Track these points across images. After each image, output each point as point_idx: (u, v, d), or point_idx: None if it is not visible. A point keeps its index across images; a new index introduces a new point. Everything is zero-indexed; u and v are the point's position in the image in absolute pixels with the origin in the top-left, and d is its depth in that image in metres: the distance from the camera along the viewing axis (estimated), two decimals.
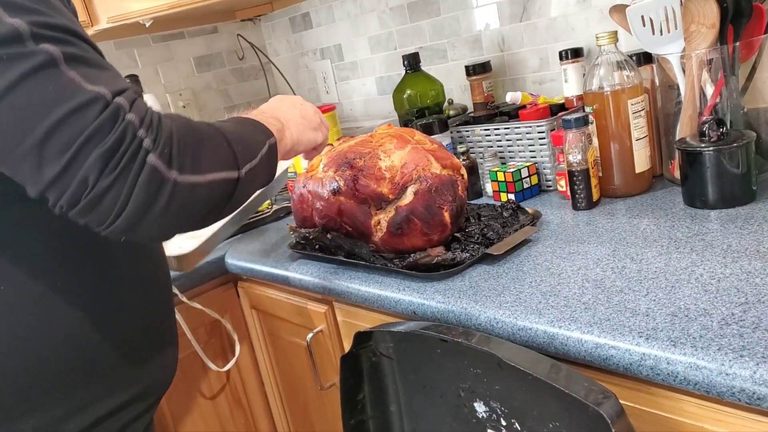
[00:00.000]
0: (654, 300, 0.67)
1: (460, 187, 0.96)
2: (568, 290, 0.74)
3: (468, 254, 0.89)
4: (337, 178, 0.96)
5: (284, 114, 0.80)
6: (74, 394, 0.66)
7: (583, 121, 1.01)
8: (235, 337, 1.25)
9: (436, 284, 0.84)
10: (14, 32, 0.50)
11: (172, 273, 1.17)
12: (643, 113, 1.02)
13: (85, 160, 0.51)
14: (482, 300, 0.76)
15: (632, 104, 1.01)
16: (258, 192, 0.72)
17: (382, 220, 0.93)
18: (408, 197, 0.91)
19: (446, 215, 0.92)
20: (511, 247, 0.89)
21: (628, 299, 0.68)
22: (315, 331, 1.07)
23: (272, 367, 1.31)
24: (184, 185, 0.56)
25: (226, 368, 1.24)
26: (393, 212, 0.92)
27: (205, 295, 1.23)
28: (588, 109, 1.05)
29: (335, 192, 0.96)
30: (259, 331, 1.29)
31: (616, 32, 1.01)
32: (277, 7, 2.00)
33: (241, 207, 0.68)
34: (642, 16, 0.95)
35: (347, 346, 1.04)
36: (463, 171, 0.99)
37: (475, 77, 1.43)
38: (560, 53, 1.25)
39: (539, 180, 1.19)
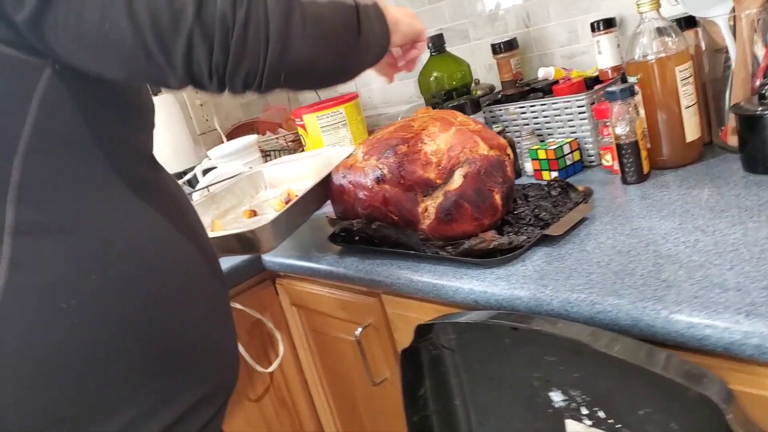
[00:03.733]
0: (742, 273, 0.63)
1: (508, 168, 0.92)
2: (643, 268, 0.70)
3: (525, 237, 0.86)
4: (381, 166, 0.93)
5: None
6: (157, 386, 0.62)
7: (629, 92, 0.97)
8: (278, 336, 1.22)
9: (497, 270, 0.81)
10: None
11: (246, 257, 1.14)
12: (691, 80, 0.98)
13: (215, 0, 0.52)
14: (551, 284, 0.73)
15: (680, 71, 0.97)
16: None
17: (429, 207, 0.89)
18: (456, 181, 0.88)
19: (497, 198, 0.89)
20: (570, 226, 0.85)
21: (713, 274, 0.65)
22: (364, 325, 1.03)
23: (317, 364, 1.28)
24: (310, 2, 0.58)
25: (270, 369, 1.21)
26: (441, 198, 0.88)
27: (243, 294, 1.20)
28: (632, 79, 1.01)
29: (379, 180, 0.93)
30: (301, 328, 1.26)
31: None
32: None
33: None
34: None
35: (398, 339, 1.01)
36: (509, 151, 0.95)
37: (502, 55, 1.39)
38: (592, 24, 1.21)
39: (581, 156, 1.15)
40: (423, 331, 0.80)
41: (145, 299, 0.61)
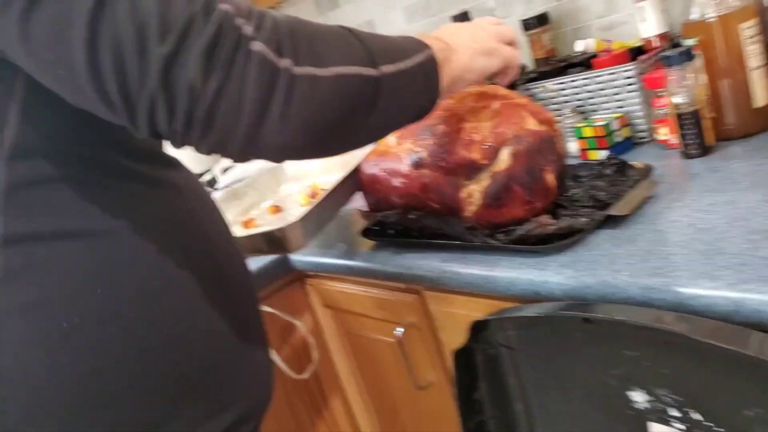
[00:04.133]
0: None
1: (559, 144, 0.83)
2: (735, 246, 0.61)
3: (585, 219, 0.77)
4: (418, 149, 0.84)
5: (450, 37, 0.67)
6: (180, 416, 0.54)
7: (687, 56, 0.88)
8: (311, 340, 1.14)
9: (558, 257, 0.72)
10: None
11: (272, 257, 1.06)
12: (758, 38, 0.88)
13: (186, 63, 0.43)
14: (626, 269, 0.64)
15: (745, 29, 0.87)
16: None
17: (474, 192, 0.81)
18: (504, 161, 0.79)
19: (550, 177, 0.80)
20: (636, 205, 0.76)
21: None
22: (405, 325, 0.95)
23: (353, 368, 1.19)
24: (303, 77, 0.47)
25: (304, 375, 1.13)
26: (488, 180, 0.79)
27: (272, 297, 1.12)
28: (689, 42, 0.92)
29: (417, 165, 0.84)
30: (335, 330, 1.18)
31: None
32: None
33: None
34: None
35: (444, 338, 0.92)
36: (557, 126, 0.86)
37: (533, 31, 1.30)
38: None
39: (631, 132, 1.06)
40: (478, 328, 0.71)
41: (162, 315, 0.53)
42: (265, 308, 1.07)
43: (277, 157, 0.52)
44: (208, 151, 0.49)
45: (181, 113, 0.45)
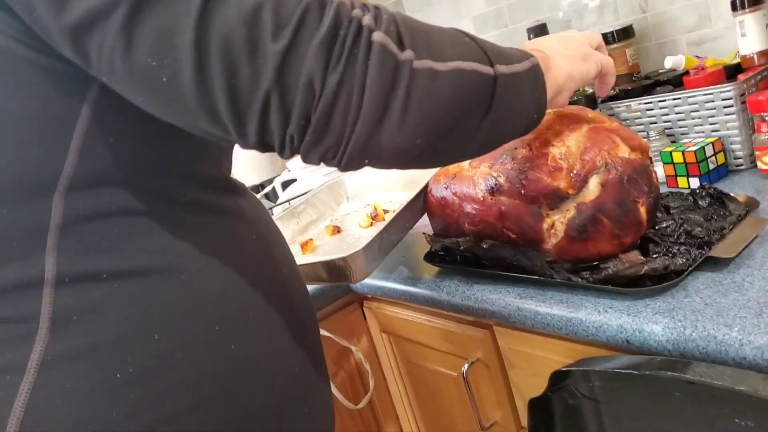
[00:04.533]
0: None
1: (653, 174, 0.75)
2: None
3: (684, 259, 0.69)
4: (496, 174, 0.78)
5: (545, 48, 0.63)
6: None
7: None
8: (368, 368, 1.09)
9: (651, 302, 0.64)
10: None
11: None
12: None
13: (304, 57, 0.40)
14: (736, 323, 0.56)
15: None
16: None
17: (557, 222, 0.74)
18: (593, 191, 0.72)
19: (642, 210, 0.72)
20: (744, 246, 0.67)
21: None
22: (471, 360, 0.88)
23: (411, 400, 1.13)
24: (422, 71, 0.44)
25: (361, 405, 1.08)
26: (573, 211, 0.72)
27: (328, 319, 1.08)
28: None
29: (494, 191, 0.78)
30: (392, 358, 1.12)
31: None
32: None
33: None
34: None
35: (513, 378, 0.85)
36: (651, 154, 0.78)
37: (616, 45, 1.22)
38: (733, 2, 1.02)
39: (726, 158, 0.97)
40: (560, 378, 0.64)
41: (225, 361, 0.49)
42: (323, 332, 1.03)
43: (391, 162, 0.48)
44: (318, 159, 0.46)
45: (298, 114, 0.42)
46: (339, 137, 0.44)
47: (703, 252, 0.69)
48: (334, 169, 1.39)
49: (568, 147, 0.73)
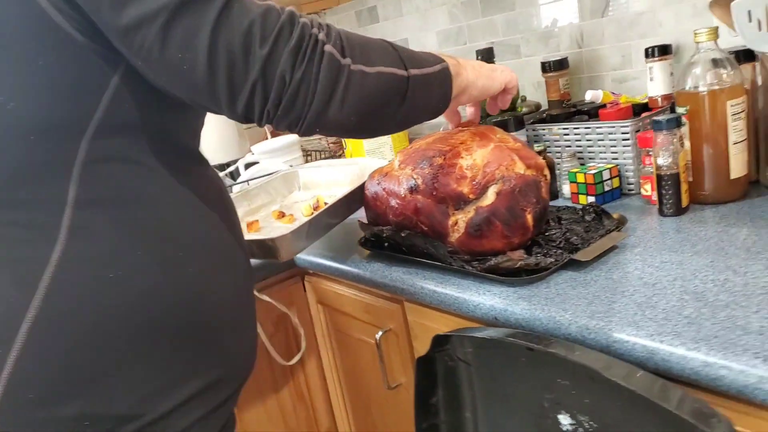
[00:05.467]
0: (767, 318, 0.62)
1: (543, 189, 0.92)
2: (666, 302, 0.69)
3: (552, 259, 0.85)
4: (415, 176, 0.94)
5: (463, 62, 0.85)
6: (181, 362, 0.65)
7: (676, 123, 0.96)
8: (302, 332, 1.25)
9: (519, 289, 0.81)
10: None
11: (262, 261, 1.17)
12: (742, 115, 0.96)
13: (279, 59, 0.60)
14: (571, 308, 0.73)
15: (732, 105, 0.95)
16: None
17: (460, 221, 0.90)
18: (489, 198, 0.88)
19: (529, 218, 0.89)
20: (599, 253, 0.84)
21: (737, 315, 0.63)
22: (385, 329, 1.04)
23: (336, 363, 1.29)
24: (356, 72, 0.65)
25: (291, 362, 1.23)
26: (473, 213, 0.89)
27: (273, 288, 1.23)
28: (681, 110, 0.99)
29: (412, 190, 0.94)
30: (325, 326, 1.28)
31: (716, 28, 0.95)
32: (343, 1, 1.99)
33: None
34: (749, 12, 0.89)
35: (416, 347, 1.02)
36: (547, 172, 0.95)
37: (551, 74, 1.38)
38: (646, 50, 1.19)
39: (620, 183, 1.14)
40: (440, 341, 0.81)
41: (182, 279, 0.65)
42: (264, 297, 1.18)
43: (334, 132, 0.69)
44: (285, 127, 0.65)
45: (274, 96, 0.61)
46: (300, 113, 0.63)
47: (569, 255, 0.86)
48: (295, 157, 1.54)
49: (474, 160, 0.90)
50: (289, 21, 0.61)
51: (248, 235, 1.02)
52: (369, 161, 1.29)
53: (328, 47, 0.63)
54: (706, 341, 0.60)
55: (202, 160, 0.75)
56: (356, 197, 1.06)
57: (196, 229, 0.69)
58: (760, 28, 0.90)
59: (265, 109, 0.62)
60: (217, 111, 0.64)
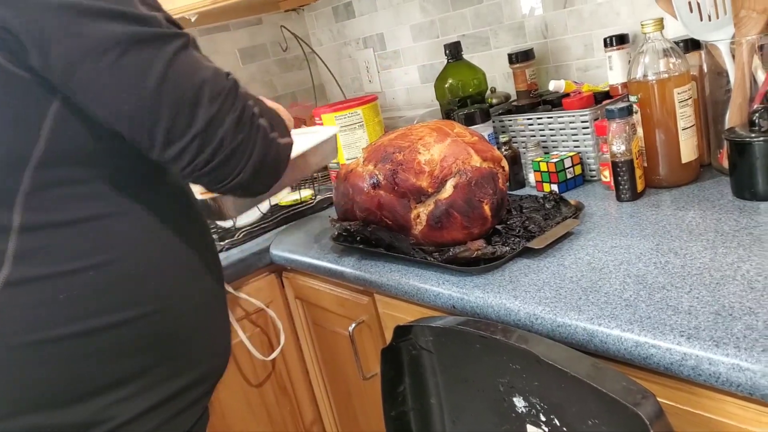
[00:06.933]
0: (697, 297, 0.65)
1: (500, 180, 0.95)
2: (609, 286, 0.73)
3: (508, 248, 0.89)
4: (377, 173, 0.97)
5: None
6: (149, 372, 0.68)
7: (627, 111, 0.99)
8: (280, 327, 1.28)
9: (476, 278, 0.85)
10: (159, 19, 0.63)
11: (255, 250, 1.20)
12: (690, 102, 0.99)
13: (224, 121, 0.64)
14: (522, 295, 0.76)
15: (678, 93, 0.98)
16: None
17: (421, 214, 0.94)
18: (447, 191, 0.92)
19: (486, 208, 0.92)
20: (552, 240, 0.88)
21: (671, 296, 0.67)
22: (357, 322, 1.08)
23: (316, 356, 1.33)
24: (281, 145, 0.72)
25: (271, 357, 1.27)
26: (432, 206, 0.92)
27: (250, 285, 1.26)
28: (632, 99, 1.03)
29: (375, 186, 0.97)
30: (303, 320, 1.32)
31: (661, 19, 0.98)
32: None
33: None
34: (689, 2, 0.92)
35: (389, 337, 1.05)
36: (504, 163, 0.98)
37: (518, 65, 1.41)
38: (605, 40, 1.22)
39: (583, 170, 1.18)
40: (403, 331, 0.84)
41: (140, 295, 0.68)
42: (242, 295, 1.22)
43: (245, 195, 0.72)
44: (205, 183, 0.68)
45: (209, 153, 0.64)
46: (227, 175, 0.67)
47: (524, 243, 0.90)
48: None
49: (432, 155, 0.93)
50: (234, 87, 0.66)
51: (200, 198, 1.04)
52: (325, 129, 1.26)
53: (263, 121, 0.69)
54: (639, 322, 0.64)
55: (163, 173, 0.76)
56: (297, 160, 1.06)
57: (153, 245, 0.71)
58: (701, 18, 0.93)
59: (195, 161, 0.64)
60: (143, 147, 0.64)
